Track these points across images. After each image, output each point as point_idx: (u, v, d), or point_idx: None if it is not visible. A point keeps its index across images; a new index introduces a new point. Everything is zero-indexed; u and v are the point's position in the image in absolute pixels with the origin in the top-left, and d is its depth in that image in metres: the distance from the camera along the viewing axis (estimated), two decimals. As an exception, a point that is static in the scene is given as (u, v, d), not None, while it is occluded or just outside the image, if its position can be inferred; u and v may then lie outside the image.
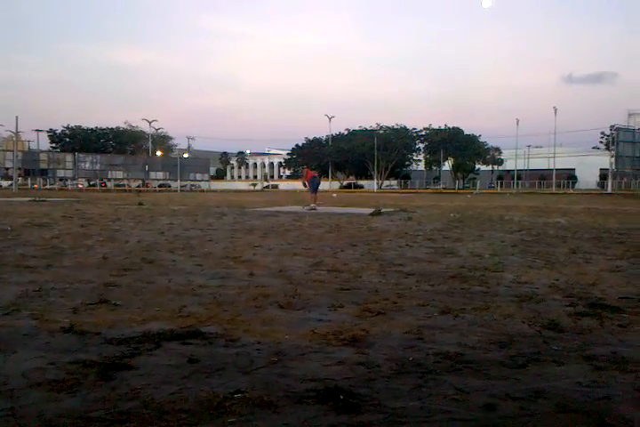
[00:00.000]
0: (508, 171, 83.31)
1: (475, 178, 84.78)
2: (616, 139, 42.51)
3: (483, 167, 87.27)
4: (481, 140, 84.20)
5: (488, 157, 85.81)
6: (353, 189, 74.55)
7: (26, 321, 3.28)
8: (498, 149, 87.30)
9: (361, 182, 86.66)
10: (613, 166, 43.21)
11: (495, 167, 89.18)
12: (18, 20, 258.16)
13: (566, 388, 2.30)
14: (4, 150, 57.89)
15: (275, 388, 2.27)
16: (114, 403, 2.10)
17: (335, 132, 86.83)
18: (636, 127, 48.92)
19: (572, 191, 56.72)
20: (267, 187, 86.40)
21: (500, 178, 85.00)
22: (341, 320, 3.37)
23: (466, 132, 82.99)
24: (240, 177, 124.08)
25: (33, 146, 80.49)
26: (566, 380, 2.39)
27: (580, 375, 2.45)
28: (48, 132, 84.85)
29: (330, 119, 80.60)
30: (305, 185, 18.95)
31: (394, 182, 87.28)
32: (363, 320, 3.38)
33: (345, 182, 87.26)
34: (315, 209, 15.94)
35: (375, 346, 2.86)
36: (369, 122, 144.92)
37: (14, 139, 57.09)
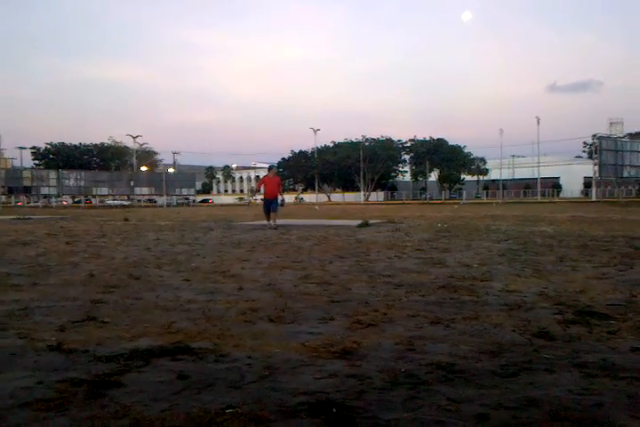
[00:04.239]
0: (494, 180, 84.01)
1: (461, 188, 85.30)
2: (598, 147, 43.03)
3: (468, 177, 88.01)
4: (465, 150, 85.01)
5: (473, 167, 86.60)
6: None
7: (12, 340, 3.23)
8: (482, 160, 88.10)
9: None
10: (597, 175, 43.64)
11: (480, 177, 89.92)
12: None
13: (558, 396, 2.31)
14: (-14, 168, 57.44)
15: (266, 402, 2.25)
16: (104, 421, 2.07)
17: (321, 144, 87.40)
18: (618, 135, 49.64)
19: (557, 200, 57.27)
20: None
21: (485, 188, 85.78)
22: (332, 333, 3.36)
23: (450, 143, 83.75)
24: (226, 191, 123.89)
25: (16, 163, 79.93)
26: (558, 388, 2.40)
27: (571, 383, 2.46)
28: (31, 149, 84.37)
29: (315, 132, 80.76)
30: (260, 191, 15.02)
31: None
32: (353, 332, 3.37)
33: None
34: (275, 227, 14.03)
35: (367, 358, 2.85)
36: (354, 134, 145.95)
37: (-3, 156, 56.69)
